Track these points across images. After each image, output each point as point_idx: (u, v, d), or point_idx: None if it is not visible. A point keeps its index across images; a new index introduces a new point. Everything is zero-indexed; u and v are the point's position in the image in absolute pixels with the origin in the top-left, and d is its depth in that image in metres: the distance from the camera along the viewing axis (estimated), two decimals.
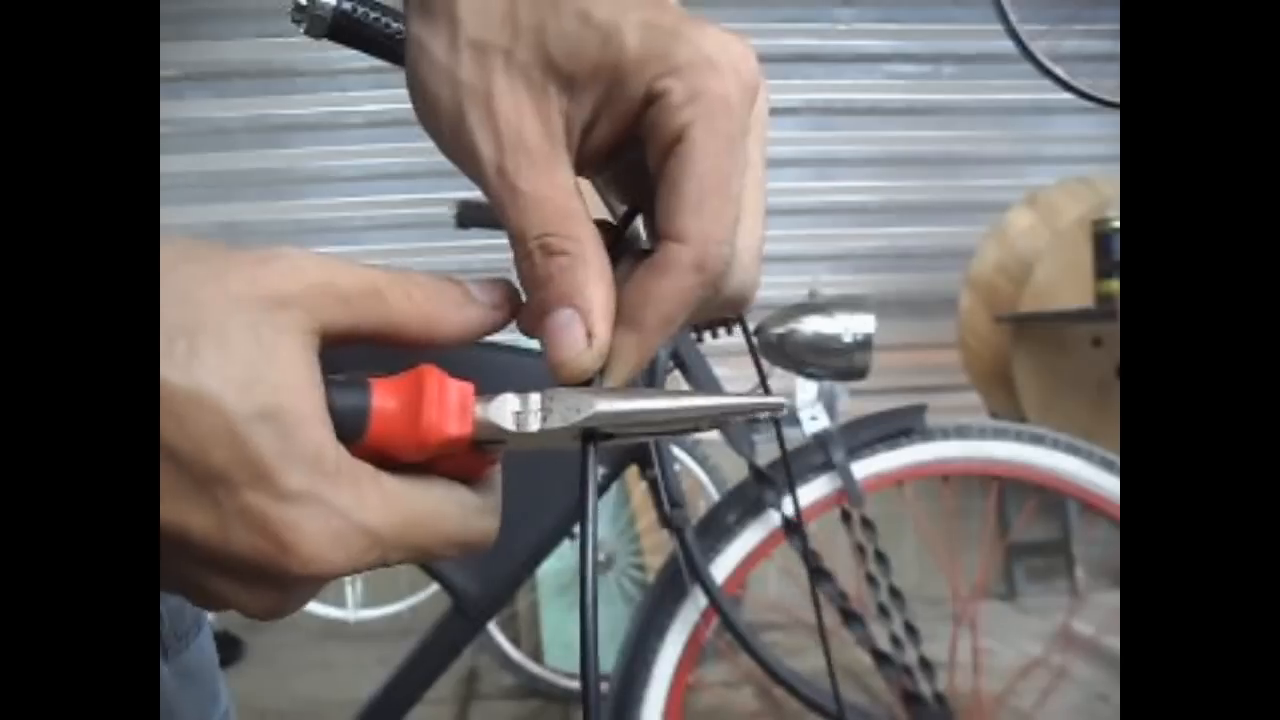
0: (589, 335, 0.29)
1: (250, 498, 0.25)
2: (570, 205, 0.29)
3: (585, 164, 0.31)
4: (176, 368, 0.25)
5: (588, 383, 0.29)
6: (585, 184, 0.32)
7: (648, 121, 0.29)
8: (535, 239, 0.29)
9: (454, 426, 0.28)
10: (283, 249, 0.27)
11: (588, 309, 0.29)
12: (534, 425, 0.28)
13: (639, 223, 0.33)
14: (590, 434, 0.29)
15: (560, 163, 0.30)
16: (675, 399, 0.29)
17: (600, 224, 0.31)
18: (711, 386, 1.17)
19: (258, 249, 0.27)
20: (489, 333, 0.31)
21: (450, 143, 0.30)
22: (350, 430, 0.27)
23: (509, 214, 0.29)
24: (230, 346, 0.25)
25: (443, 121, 0.30)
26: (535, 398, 0.28)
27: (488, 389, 0.29)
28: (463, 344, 0.30)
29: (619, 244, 0.32)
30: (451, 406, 0.28)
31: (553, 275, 0.29)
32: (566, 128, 0.30)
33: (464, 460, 0.29)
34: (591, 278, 0.29)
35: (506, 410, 0.28)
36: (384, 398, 0.28)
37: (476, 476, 0.30)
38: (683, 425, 0.30)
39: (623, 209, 0.34)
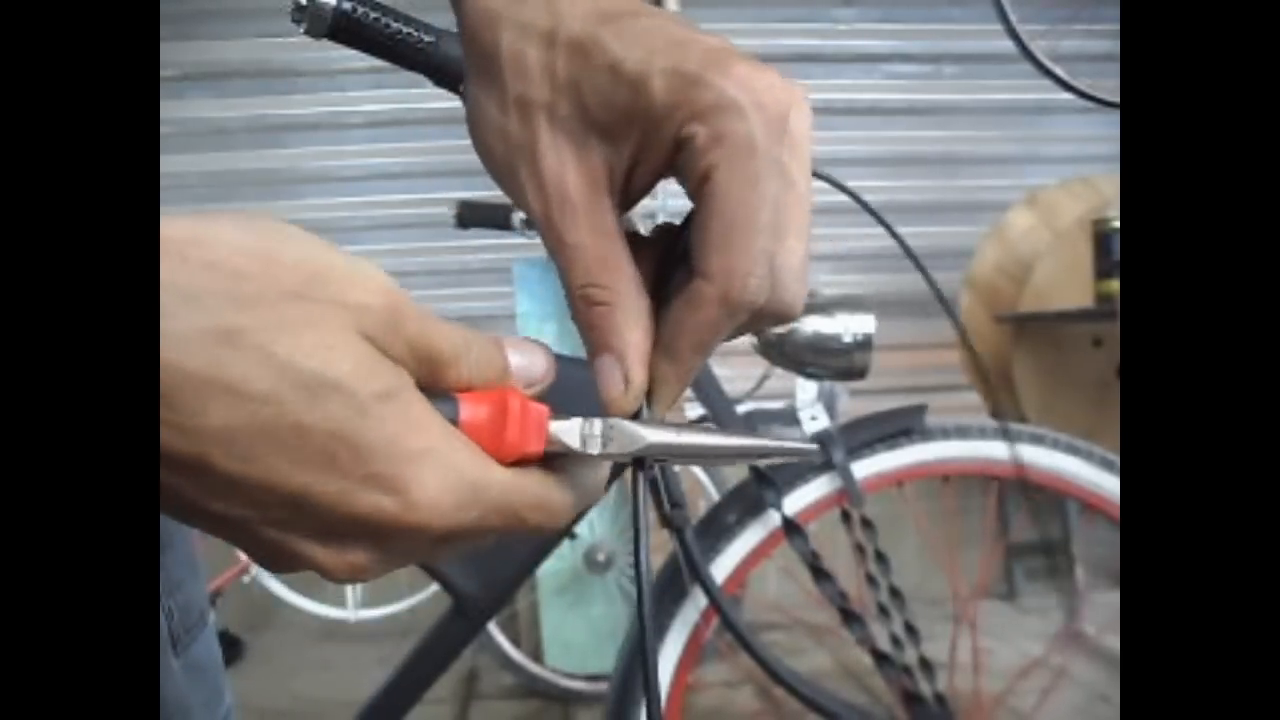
0: (626, 379, 0.32)
1: (381, 463, 0.28)
2: (610, 255, 0.32)
3: (632, 202, 0.33)
4: (310, 355, 0.27)
5: (639, 409, 0.33)
6: None
7: (679, 165, 0.31)
8: (579, 289, 0.32)
9: (533, 443, 0.32)
10: (396, 292, 0.30)
11: (624, 354, 0.32)
12: (595, 449, 0.32)
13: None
14: (641, 460, 0.33)
15: (603, 210, 0.32)
16: (718, 437, 0.33)
17: (665, 227, 0.34)
18: (711, 386, 1.17)
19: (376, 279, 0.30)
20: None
21: (507, 191, 0.33)
22: None
23: (559, 262, 0.32)
24: (351, 340, 0.28)
25: (498, 172, 0.33)
26: (599, 424, 0.33)
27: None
28: None
29: (682, 241, 0.34)
30: (531, 427, 0.32)
31: (594, 323, 0.32)
32: (609, 175, 0.32)
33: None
34: (628, 324, 0.32)
35: (576, 433, 0.32)
36: (470, 410, 0.31)
37: None
38: (723, 459, 0.34)
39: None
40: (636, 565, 0.33)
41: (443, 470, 0.29)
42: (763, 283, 0.31)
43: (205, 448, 0.26)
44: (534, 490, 0.32)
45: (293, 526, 0.29)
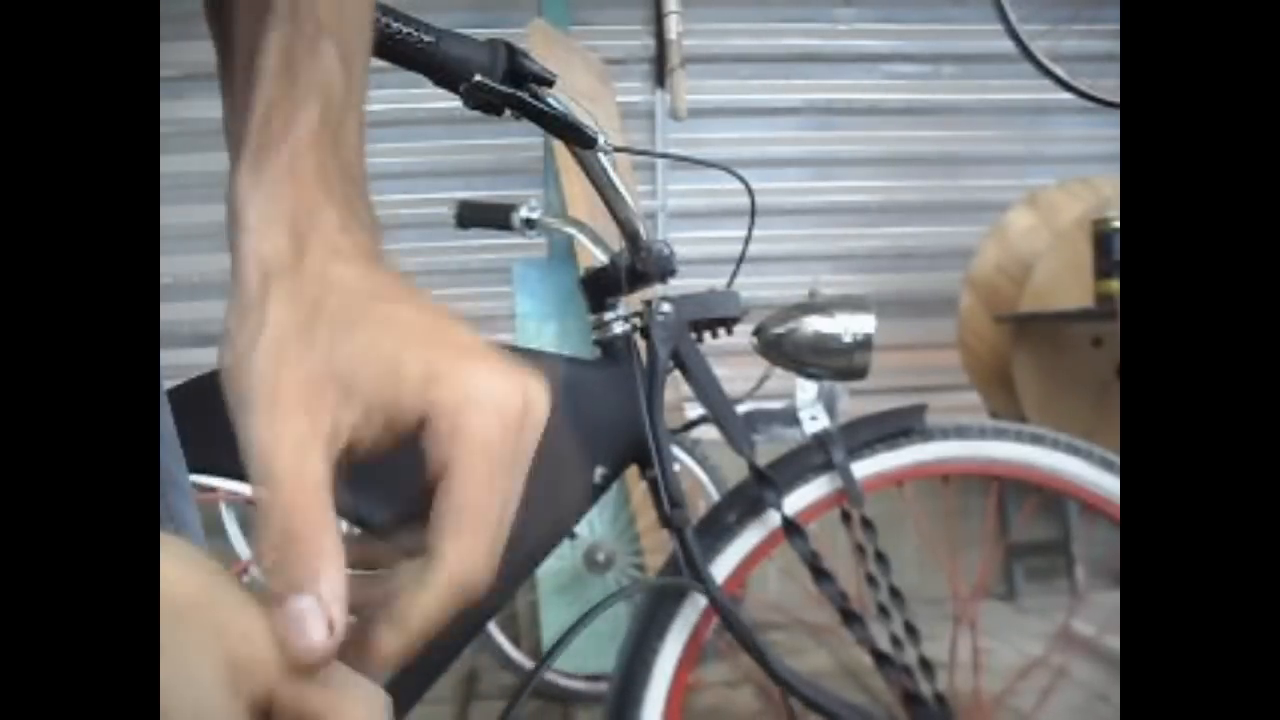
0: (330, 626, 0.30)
1: None
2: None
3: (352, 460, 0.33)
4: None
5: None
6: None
7: (423, 447, 0.33)
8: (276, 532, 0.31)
9: None
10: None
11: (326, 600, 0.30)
12: None
13: None
14: None
15: (315, 458, 0.31)
16: None
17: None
18: (711, 386, 1.17)
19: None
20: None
21: (231, 404, 0.32)
22: None
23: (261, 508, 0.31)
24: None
25: (231, 393, 0.32)
26: None
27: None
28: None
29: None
30: None
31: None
32: (334, 428, 0.32)
33: None
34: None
35: None
36: None
37: None
38: None
39: None
40: None
41: None
42: (490, 568, 0.33)
43: None
44: None
45: None
